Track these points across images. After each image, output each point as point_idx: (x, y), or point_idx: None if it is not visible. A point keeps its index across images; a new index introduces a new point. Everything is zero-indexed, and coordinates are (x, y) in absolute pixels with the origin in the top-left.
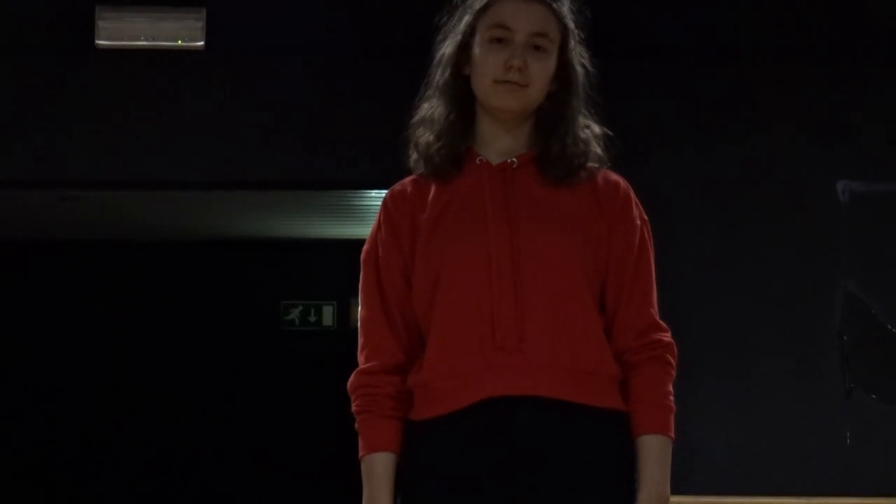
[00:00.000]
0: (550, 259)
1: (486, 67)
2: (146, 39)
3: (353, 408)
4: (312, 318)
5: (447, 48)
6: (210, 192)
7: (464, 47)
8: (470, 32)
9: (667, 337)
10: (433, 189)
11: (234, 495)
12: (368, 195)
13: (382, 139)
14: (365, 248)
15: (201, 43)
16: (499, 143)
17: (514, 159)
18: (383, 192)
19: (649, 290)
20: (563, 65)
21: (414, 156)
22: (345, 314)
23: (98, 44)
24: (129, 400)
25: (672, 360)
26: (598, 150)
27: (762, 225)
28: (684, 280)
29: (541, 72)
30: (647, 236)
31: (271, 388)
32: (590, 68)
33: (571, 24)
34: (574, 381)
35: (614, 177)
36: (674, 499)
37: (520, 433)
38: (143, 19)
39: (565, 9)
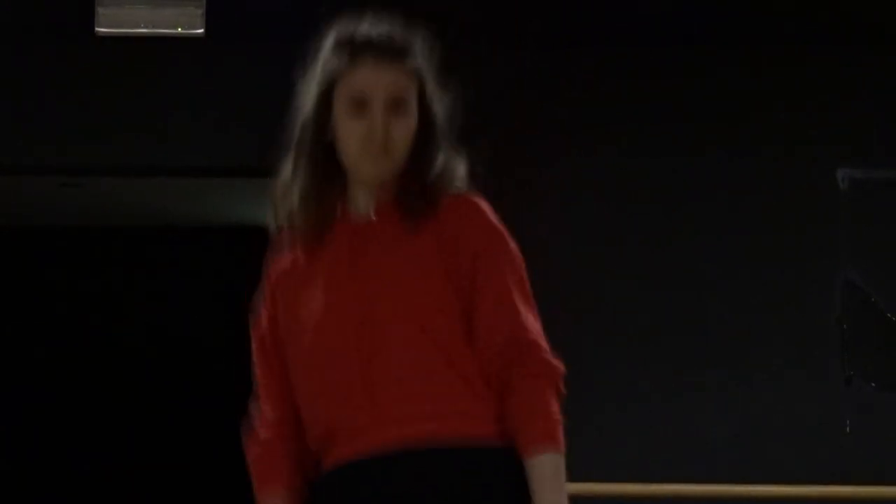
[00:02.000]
0: (396, 317)
1: (350, 140)
2: (146, 27)
3: (250, 469)
4: None
5: (306, 111)
6: (210, 178)
7: (322, 111)
8: (326, 97)
9: (526, 339)
10: (295, 258)
11: (234, 484)
12: None
13: None
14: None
15: (201, 30)
16: (365, 201)
17: (373, 214)
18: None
19: (507, 298)
20: (423, 113)
21: (283, 215)
22: None
23: (98, 31)
24: (128, 387)
25: (539, 367)
26: (457, 183)
27: (762, 213)
28: (684, 269)
29: (403, 134)
30: (498, 244)
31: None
32: (450, 108)
33: (426, 73)
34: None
35: (457, 199)
36: (674, 487)
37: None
38: (142, 7)
39: (419, 59)
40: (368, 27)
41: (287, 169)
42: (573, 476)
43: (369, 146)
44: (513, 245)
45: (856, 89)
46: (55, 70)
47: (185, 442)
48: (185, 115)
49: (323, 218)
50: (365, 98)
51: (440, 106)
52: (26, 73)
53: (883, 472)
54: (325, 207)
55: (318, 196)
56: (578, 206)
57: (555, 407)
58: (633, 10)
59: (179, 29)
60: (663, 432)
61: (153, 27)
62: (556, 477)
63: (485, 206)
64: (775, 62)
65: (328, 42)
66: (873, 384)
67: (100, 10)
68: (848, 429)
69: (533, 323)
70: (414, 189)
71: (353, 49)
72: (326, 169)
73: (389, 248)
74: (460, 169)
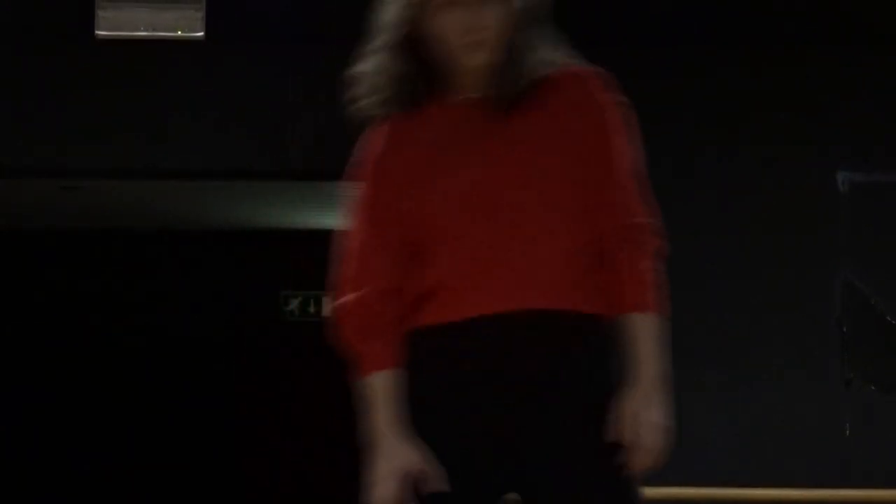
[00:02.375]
0: (533, 188)
1: (446, 32)
2: (146, 30)
3: (346, 332)
4: (312, 309)
5: (395, 11)
6: (210, 181)
7: (412, 6)
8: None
9: (643, 219)
10: (406, 126)
11: (233, 485)
12: None
13: None
14: (357, 189)
15: (201, 33)
16: (464, 87)
17: (479, 101)
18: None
19: (620, 177)
20: (513, 6)
21: (373, 97)
22: None
23: (98, 34)
24: (127, 389)
25: (650, 239)
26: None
27: (762, 215)
28: (684, 271)
29: (498, 21)
30: (616, 121)
31: (271, 378)
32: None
33: None
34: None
35: (578, 72)
36: (674, 490)
37: (511, 349)
38: (143, 9)
39: None
40: None
41: (372, 64)
42: None
43: (466, 37)
44: (620, 117)
45: (856, 92)
46: (55, 73)
47: (183, 442)
48: (185, 117)
49: (416, 95)
50: None
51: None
52: (26, 75)
53: (883, 475)
54: (417, 87)
55: (406, 76)
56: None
57: (647, 271)
58: (632, 10)
59: (179, 32)
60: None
61: (153, 30)
62: (645, 337)
63: (605, 79)
64: (775, 64)
65: None
66: (873, 386)
67: (100, 13)
68: (847, 431)
69: (640, 203)
70: (517, 71)
71: None
72: (415, 58)
73: (507, 125)
74: (559, 53)
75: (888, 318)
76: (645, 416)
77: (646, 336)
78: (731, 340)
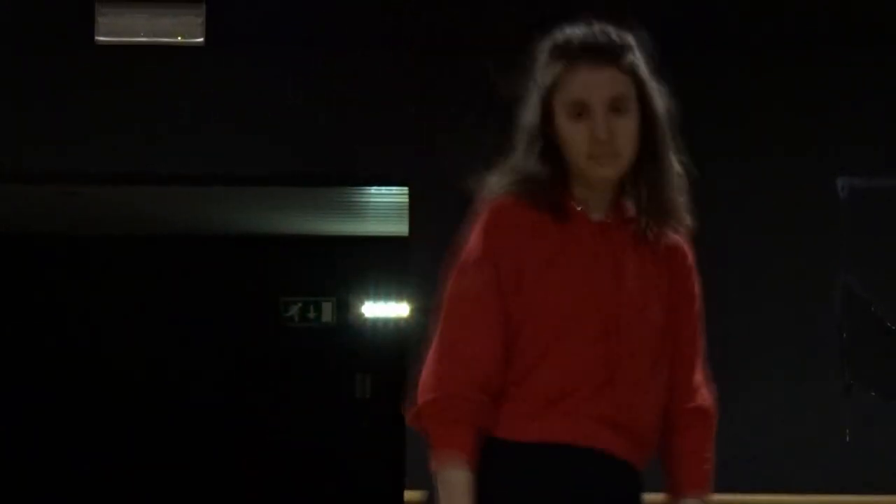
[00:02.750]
0: (650, 326)
1: (575, 144)
2: (146, 35)
3: (432, 415)
4: (312, 315)
5: (528, 119)
6: (210, 187)
7: (544, 117)
8: (546, 104)
9: (711, 403)
10: (540, 224)
11: (233, 489)
12: (368, 192)
13: (383, 136)
14: (472, 254)
15: (201, 39)
16: (593, 202)
17: (608, 218)
18: (382, 189)
19: (700, 355)
20: (646, 116)
21: (511, 177)
22: (344, 310)
23: (98, 39)
24: (128, 394)
25: (713, 423)
26: (686, 211)
27: (762, 221)
28: None
29: (627, 134)
30: (702, 304)
31: (271, 383)
32: (670, 106)
33: (644, 72)
34: (647, 452)
35: (677, 238)
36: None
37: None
38: (142, 15)
39: (635, 57)
40: (581, 31)
41: (513, 162)
42: None
43: (595, 149)
44: (699, 293)
45: (856, 97)
46: (55, 78)
47: (183, 446)
48: (185, 123)
49: (557, 203)
50: (584, 101)
51: (661, 102)
52: (27, 80)
53: (883, 481)
54: (556, 194)
55: (550, 181)
56: None
57: (712, 458)
58: (633, 14)
59: (179, 38)
60: None
61: (153, 36)
62: None
63: (691, 248)
64: (775, 69)
65: (544, 50)
66: (873, 392)
67: (100, 19)
68: (847, 437)
69: (710, 385)
70: (654, 198)
71: (568, 53)
72: (550, 165)
73: (634, 259)
74: (682, 176)
75: (888, 324)
76: None
77: None
78: (731, 346)
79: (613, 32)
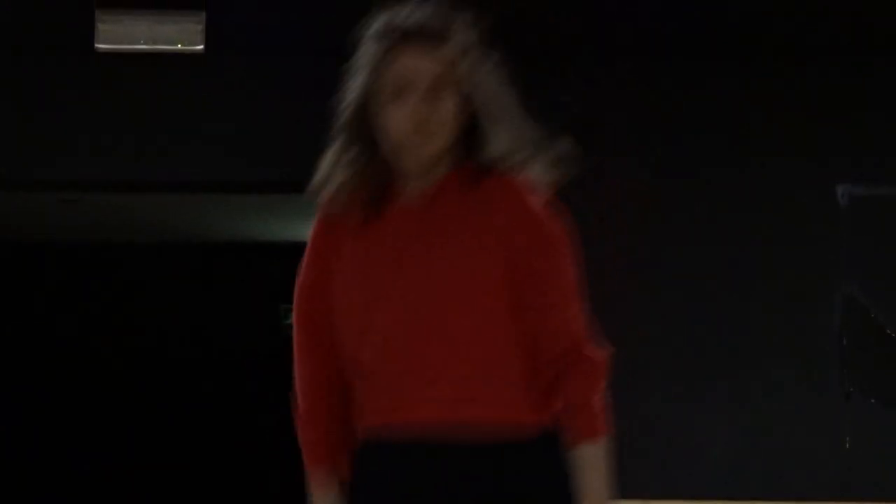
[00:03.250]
0: (451, 303)
1: (390, 126)
2: (146, 43)
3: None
4: None
5: (349, 98)
6: (210, 195)
7: (364, 99)
8: (368, 86)
9: (588, 343)
10: (356, 225)
11: (233, 494)
12: None
13: None
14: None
15: (201, 47)
16: (417, 184)
17: (424, 197)
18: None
19: (561, 300)
20: (470, 94)
21: (331, 189)
22: None
23: (98, 47)
24: (127, 403)
25: (596, 364)
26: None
27: (762, 228)
28: (684, 283)
29: (442, 117)
30: (557, 238)
31: (271, 391)
32: (502, 81)
33: (467, 54)
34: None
35: (503, 182)
36: (673, 503)
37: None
38: (142, 23)
39: (459, 40)
40: (407, 14)
41: (331, 152)
42: None
43: (408, 131)
44: (559, 233)
45: (856, 105)
46: (55, 85)
47: (183, 454)
48: (185, 131)
49: (370, 198)
50: (402, 85)
51: (490, 83)
52: (26, 87)
53: (882, 488)
54: (370, 189)
55: (362, 177)
56: (573, 220)
57: (595, 399)
58: (631, 21)
59: (179, 45)
60: (662, 447)
61: (153, 43)
62: (596, 466)
63: (530, 189)
64: (774, 77)
65: (370, 31)
66: (873, 400)
67: (99, 26)
68: (847, 444)
69: (582, 324)
70: (466, 169)
71: (391, 38)
72: (370, 153)
73: (444, 232)
74: (526, 147)
75: (888, 332)
76: None
77: (596, 465)
78: (730, 353)
79: (438, 16)
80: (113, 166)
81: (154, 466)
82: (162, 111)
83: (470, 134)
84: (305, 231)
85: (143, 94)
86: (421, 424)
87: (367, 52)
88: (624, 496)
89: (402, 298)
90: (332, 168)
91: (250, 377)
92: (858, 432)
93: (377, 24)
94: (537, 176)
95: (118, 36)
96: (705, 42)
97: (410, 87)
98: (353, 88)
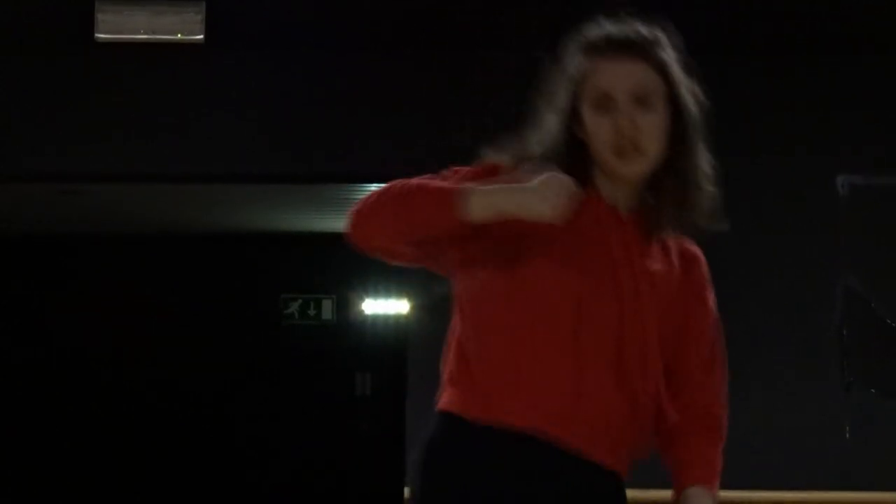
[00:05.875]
0: (639, 324)
1: (599, 137)
2: (146, 33)
3: (397, 190)
4: (312, 312)
5: (551, 115)
6: (210, 185)
7: (571, 114)
8: (573, 99)
9: (722, 410)
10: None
11: (232, 488)
12: (368, 189)
13: (381, 133)
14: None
15: (201, 37)
16: (616, 198)
17: (627, 212)
18: (382, 186)
19: (721, 379)
20: (676, 114)
21: (538, 154)
22: (344, 308)
23: (98, 37)
24: (128, 393)
25: (723, 430)
26: (708, 210)
27: (761, 219)
28: None
29: (652, 129)
30: (719, 323)
31: (271, 381)
32: (702, 104)
33: (675, 68)
34: (623, 454)
35: (694, 248)
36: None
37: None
38: (142, 13)
39: (665, 54)
40: (611, 26)
41: (539, 126)
42: None
43: (619, 142)
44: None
45: (856, 95)
46: (55, 75)
47: (183, 444)
48: (185, 121)
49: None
50: (608, 93)
51: (691, 99)
52: (26, 78)
53: (883, 479)
54: (576, 167)
55: (568, 163)
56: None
57: (719, 460)
58: (631, 13)
59: (179, 35)
60: None
61: (153, 33)
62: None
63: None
64: (774, 68)
65: (573, 43)
66: (873, 390)
67: (99, 17)
68: (847, 435)
69: (725, 393)
70: (677, 197)
71: (595, 47)
72: (575, 158)
73: (653, 258)
74: (709, 178)
75: (888, 322)
76: None
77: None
78: (730, 344)
79: (643, 28)
80: (113, 157)
81: (153, 455)
82: (162, 101)
83: (675, 146)
84: (305, 221)
85: (143, 84)
86: (566, 444)
87: (573, 59)
88: (627, 486)
89: (610, 305)
90: (542, 144)
91: (251, 367)
92: (858, 422)
93: (584, 33)
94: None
95: (118, 26)
96: (704, 33)
97: (616, 98)
98: (560, 98)
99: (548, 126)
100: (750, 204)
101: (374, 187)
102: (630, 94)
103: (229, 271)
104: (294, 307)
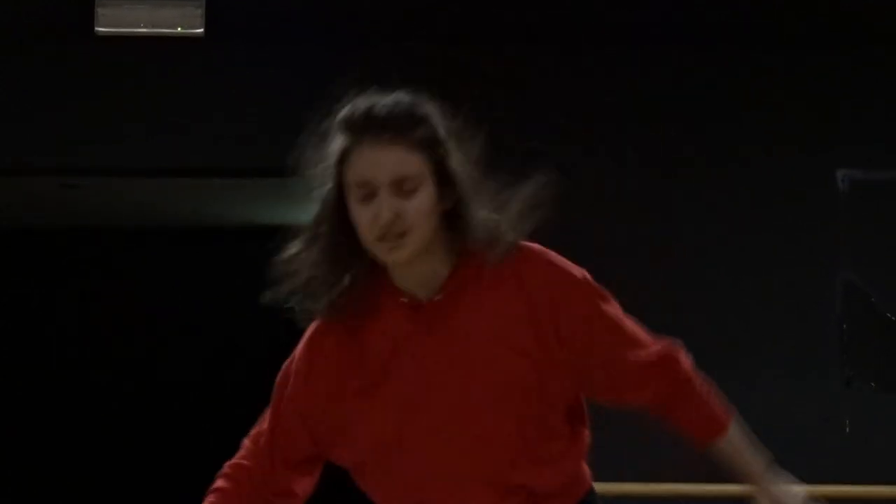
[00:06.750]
0: (469, 394)
1: (363, 228)
2: (146, 26)
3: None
4: None
5: (322, 194)
6: (210, 179)
7: (337, 196)
8: (338, 185)
9: (664, 352)
10: (351, 339)
11: None
12: None
13: None
14: (281, 374)
15: (201, 30)
16: (407, 276)
17: (438, 296)
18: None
19: (630, 338)
20: (444, 182)
21: (309, 302)
22: None
23: (98, 31)
24: (126, 387)
25: (680, 368)
26: (508, 235)
27: (761, 213)
28: (683, 270)
29: (416, 211)
30: (594, 301)
31: (271, 376)
32: (477, 163)
33: (437, 139)
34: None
35: (528, 265)
36: (674, 486)
37: None
38: (142, 6)
39: (425, 128)
40: (368, 103)
41: (302, 249)
42: None
43: (380, 233)
44: (586, 279)
45: (856, 90)
46: (55, 69)
47: (182, 439)
48: (184, 114)
49: (360, 298)
50: (369, 183)
51: (464, 164)
52: (26, 72)
53: (882, 472)
54: (358, 288)
55: (347, 275)
56: (574, 210)
57: (702, 396)
58: (632, 9)
59: (179, 28)
60: (663, 432)
61: (153, 27)
62: (739, 448)
63: (549, 255)
64: (775, 62)
65: (335, 122)
66: (873, 385)
67: (99, 10)
68: (847, 429)
69: (645, 339)
70: (466, 259)
71: (353, 132)
72: (350, 249)
73: (464, 327)
74: (509, 217)
75: (888, 316)
76: (793, 492)
77: (739, 447)
78: (730, 339)
79: (401, 103)
80: (113, 151)
81: (152, 449)
82: (162, 95)
83: (452, 216)
84: (303, 215)
85: (144, 77)
86: None
87: (335, 142)
88: (626, 480)
89: (436, 406)
90: (314, 268)
91: (252, 361)
92: (858, 416)
93: (345, 111)
94: (524, 233)
95: (118, 19)
96: (705, 27)
97: (376, 186)
98: (324, 182)
99: (322, 225)
100: (750, 199)
101: None
102: (390, 182)
103: (230, 265)
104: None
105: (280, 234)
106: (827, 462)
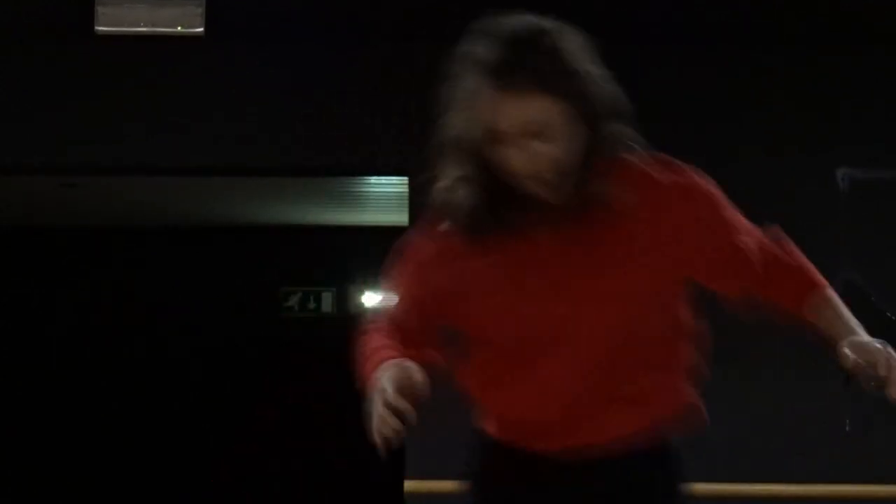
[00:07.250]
0: (604, 316)
1: (507, 167)
2: (146, 25)
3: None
4: (312, 305)
5: (456, 130)
6: (209, 178)
7: (473, 135)
8: (476, 128)
9: (766, 239)
10: (483, 244)
11: (231, 479)
12: (367, 182)
13: (381, 126)
14: (409, 248)
15: (201, 29)
16: (548, 192)
17: (568, 204)
18: (382, 179)
19: (743, 236)
20: (584, 111)
21: (452, 211)
22: (344, 300)
23: (98, 30)
24: (127, 385)
25: (782, 243)
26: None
27: (761, 212)
28: None
29: (552, 160)
30: (710, 200)
31: (270, 374)
32: (611, 91)
33: (574, 75)
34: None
35: (637, 172)
36: None
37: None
38: (142, 5)
39: (560, 65)
40: (497, 46)
41: (447, 177)
42: None
43: (531, 175)
44: (694, 179)
45: (856, 89)
46: (55, 68)
47: (183, 438)
48: (184, 114)
49: (498, 222)
50: (501, 130)
51: (596, 85)
52: (26, 71)
53: (882, 472)
54: (497, 214)
55: (487, 205)
56: None
57: (806, 263)
58: (632, 7)
59: (179, 28)
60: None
61: (153, 26)
62: (839, 302)
63: (670, 162)
64: (775, 61)
65: (462, 61)
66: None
67: (99, 9)
68: (848, 428)
69: (751, 229)
70: (580, 196)
71: (489, 72)
72: (490, 178)
73: (592, 248)
74: (629, 126)
75: (889, 315)
76: (884, 348)
77: (835, 303)
78: (731, 337)
79: (535, 40)
80: (112, 150)
81: (151, 447)
82: (162, 94)
83: (590, 136)
84: (305, 214)
85: (143, 77)
86: (584, 447)
87: (465, 87)
88: None
89: (560, 312)
90: (453, 189)
91: (251, 360)
92: (858, 415)
93: (470, 53)
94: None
95: (118, 19)
96: (705, 26)
97: (512, 135)
98: (458, 124)
99: (459, 158)
100: (750, 198)
101: (374, 180)
102: (524, 131)
103: (229, 264)
104: (294, 300)
105: (278, 233)
106: (827, 461)
